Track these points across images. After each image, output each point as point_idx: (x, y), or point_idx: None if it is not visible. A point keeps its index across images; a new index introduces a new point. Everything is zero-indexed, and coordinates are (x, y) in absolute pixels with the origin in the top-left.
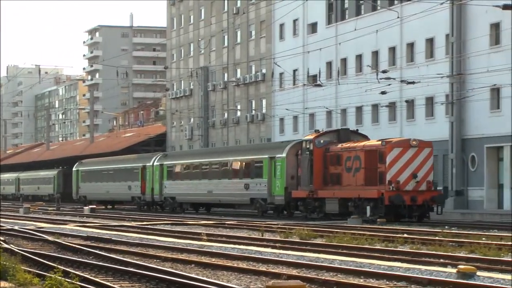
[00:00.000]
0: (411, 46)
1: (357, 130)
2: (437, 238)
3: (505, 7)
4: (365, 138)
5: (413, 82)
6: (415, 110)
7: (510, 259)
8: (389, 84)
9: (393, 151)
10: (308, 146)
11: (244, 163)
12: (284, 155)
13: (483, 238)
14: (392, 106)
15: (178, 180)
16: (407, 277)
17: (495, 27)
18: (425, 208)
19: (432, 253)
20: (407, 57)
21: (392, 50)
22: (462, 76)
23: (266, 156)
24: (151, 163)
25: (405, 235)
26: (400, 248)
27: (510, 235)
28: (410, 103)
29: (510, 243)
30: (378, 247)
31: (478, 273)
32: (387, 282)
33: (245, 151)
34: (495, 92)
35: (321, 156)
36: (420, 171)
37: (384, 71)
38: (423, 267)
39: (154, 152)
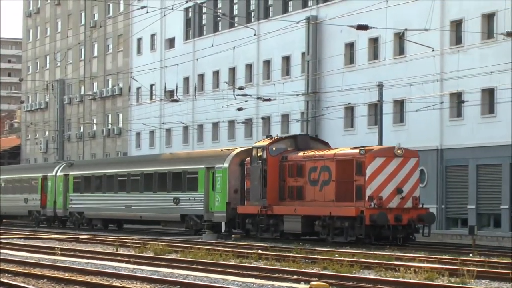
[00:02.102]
0: (267, 63)
1: (316, 136)
2: (291, 254)
3: (359, 27)
4: (326, 145)
5: (269, 99)
6: (271, 126)
7: (361, 276)
8: (246, 101)
9: (375, 161)
10: (260, 154)
11: (172, 174)
12: (226, 165)
13: (336, 255)
14: (248, 122)
15: (87, 193)
16: None
17: (350, 47)
18: (412, 228)
19: (286, 269)
20: (264, 74)
21: (249, 67)
22: (317, 94)
23: (202, 167)
24: (53, 173)
25: (260, 251)
26: (254, 264)
27: (362, 251)
28: (266, 120)
29: (362, 259)
30: (233, 263)
31: None
32: None
33: (175, 161)
34: (349, 110)
35: (276, 165)
36: (406, 185)
37: (240, 88)
38: (276, 283)
39: (59, 161)
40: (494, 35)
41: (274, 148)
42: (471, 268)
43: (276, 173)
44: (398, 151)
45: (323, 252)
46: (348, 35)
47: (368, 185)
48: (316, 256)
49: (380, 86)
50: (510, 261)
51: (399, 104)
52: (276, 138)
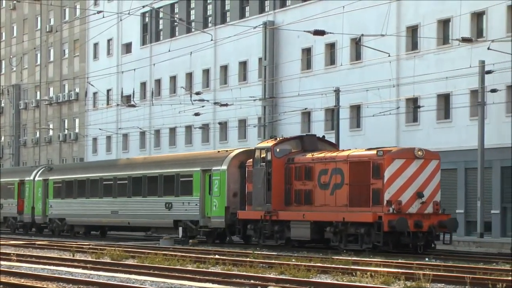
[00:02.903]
0: (224, 68)
1: (324, 136)
2: (248, 259)
3: (316, 32)
4: (334, 146)
5: (226, 104)
6: (228, 132)
7: (318, 280)
8: (203, 106)
9: (394, 163)
10: (263, 156)
11: (164, 178)
12: (224, 167)
13: (293, 260)
14: (205, 127)
15: (69, 198)
16: None
17: (307, 52)
18: (432, 235)
19: (243, 274)
20: (221, 79)
21: (206, 72)
22: (274, 99)
23: (198, 169)
24: (31, 178)
25: (217, 256)
26: (211, 269)
27: (319, 256)
28: (223, 125)
29: (319, 264)
30: (190, 268)
31: None
32: None
33: (166, 163)
34: (306, 115)
35: (282, 168)
36: (426, 189)
37: (197, 93)
38: None
39: (37, 165)
40: (449, 40)
41: (278, 150)
42: (427, 272)
43: (281, 176)
44: (419, 152)
45: (280, 257)
46: (305, 40)
47: (386, 189)
48: (273, 261)
49: (337, 91)
50: (466, 265)
51: (356, 109)
52: (281, 138)
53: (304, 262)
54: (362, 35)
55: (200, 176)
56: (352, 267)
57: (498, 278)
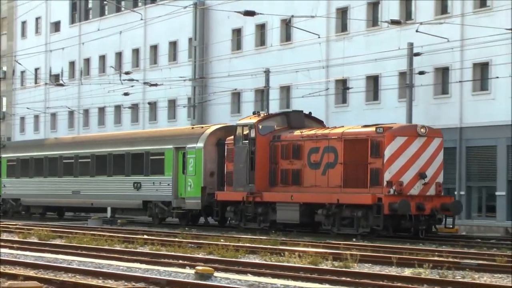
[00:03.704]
0: (154, 48)
1: (310, 113)
2: (176, 239)
3: (246, 13)
4: (321, 124)
5: (156, 84)
6: (158, 112)
7: (246, 260)
8: (132, 86)
9: (395, 141)
10: (246, 133)
11: (132, 155)
12: (200, 145)
13: (222, 240)
14: (135, 107)
15: (24, 177)
16: (146, 278)
17: (237, 33)
18: (434, 219)
19: (171, 254)
20: (151, 59)
21: (136, 51)
22: (204, 80)
23: (170, 147)
24: None
25: (145, 236)
26: (139, 249)
27: (248, 236)
28: (153, 105)
29: (247, 244)
30: (118, 248)
31: (216, 274)
32: (126, 283)
33: (134, 140)
34: (236, 96)
35: (266, 146)
36: (429, 169)
37: (127, 73)
38: (162, 268)
39: None
40: (378, 22)
41: (262, 126)
42: (354, 252)
43: (266, 155)
44: (422, 129)
45: (209, 237)
46: (235, 21)
47: (386, 169)
48: (201, 241)
49: (267, 72)
50: (393, 245)
51: (286, 90)
52: (265, 115)
53: (232, 242)
54: (293, 16)
55: (173, 154)
56: (280, 247)
57: (425, 258)
